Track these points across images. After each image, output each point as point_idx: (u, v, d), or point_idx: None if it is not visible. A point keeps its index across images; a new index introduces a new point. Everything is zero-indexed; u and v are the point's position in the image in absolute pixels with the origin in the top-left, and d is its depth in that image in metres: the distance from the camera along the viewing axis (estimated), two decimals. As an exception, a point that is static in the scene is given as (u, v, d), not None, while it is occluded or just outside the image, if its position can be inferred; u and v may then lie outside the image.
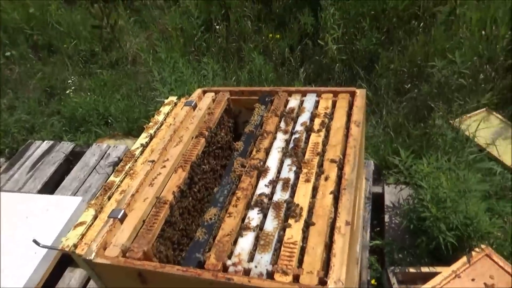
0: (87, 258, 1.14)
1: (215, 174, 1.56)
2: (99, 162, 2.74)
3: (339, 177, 1.22)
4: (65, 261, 2.10)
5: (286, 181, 1.24)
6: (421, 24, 3.02)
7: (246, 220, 1.17)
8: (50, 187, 2.72)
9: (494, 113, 2.49)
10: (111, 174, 2.65)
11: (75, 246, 1.25)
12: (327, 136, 1.39)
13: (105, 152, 2.81)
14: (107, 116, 3.26)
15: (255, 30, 3.80)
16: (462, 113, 2.48)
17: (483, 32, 2.70)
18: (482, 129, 2.29)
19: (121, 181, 1.46)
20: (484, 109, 2.52)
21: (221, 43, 3.75)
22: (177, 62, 3.17)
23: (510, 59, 2.66)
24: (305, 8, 3.51)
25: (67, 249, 1.24)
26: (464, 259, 1.71)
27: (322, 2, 3.23)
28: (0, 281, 1.89)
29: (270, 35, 3.67)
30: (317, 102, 1.55)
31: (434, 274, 1.70)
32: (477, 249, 1.71)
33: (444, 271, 1.69)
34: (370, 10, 3.19)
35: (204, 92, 1.76)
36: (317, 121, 1.45)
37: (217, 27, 3.81)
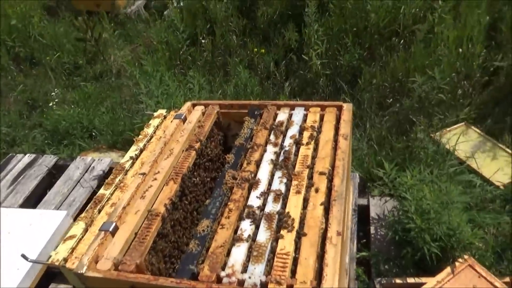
0: (79, 272, 1.13)
1: (205, 187, 1.57)
2: (83, 175, 2.70)
3: (329, 189, 1.25)
4: (48, 276, 2.04)
5: (277, 193, 1.26)
6: (401, 41, 3.14)
7: (239, 232, 1.18)
8: (32, 201, 2.66)
9: (473, 127, 2.59)
10: (95, 188, 2.61)
11: (65, 260, 1.24)
12: (316, 149, 1.42)
13: (90, 165, 2.77)
14: (91, 129, 3.22)
15: (241, 44, 3.86)
16: (442, 127, 2.57)
17: (460, 50, 2.82)
18: (462, 143, 2.38)
19: (112, 194, 1.46)
20: (463, 123, 2.62)
21: (206, 56, 3.79)
22: (163, 75, 3.18)
23: (486, 76, 2.79)
24: (289, 23, 3.59)
25: (56, 263, 1.22)
26: (448, 269, 1.75)
27: (306, 19, 3.32)
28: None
29: (255, 49, 3.73)
30: (305, 116, 1.59)
31: (420, 285, 1.74)
32: (460, 260, 1.77)
33: (429, 282, 1.73)
34: (352, 27, 3.29)
35: (194, 105, 1.78)
36: (306, 134, 1.48)
37: (203, 41, 3.86)
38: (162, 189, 1.39)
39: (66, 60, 3.97)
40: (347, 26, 3.30)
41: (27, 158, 2.93)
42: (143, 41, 4.29)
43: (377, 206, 2.19)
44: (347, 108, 1.57)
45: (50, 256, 1.24)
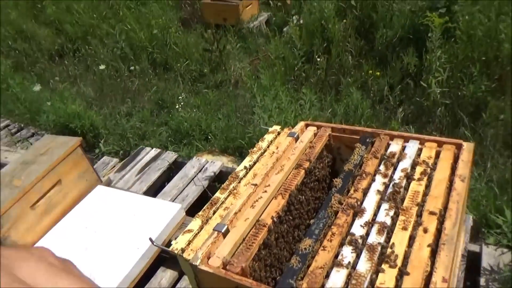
0: (194, 263, 1.30)
1: (309, 205, 1.65)
2: (197, 174, 2.99)
3: (438, 231, 1.22)
4: (158, 260, 2.33)
5: (382, 225, 1.28)
6: (540, 75, 2.82)
7: (340, 257, 1.22)
8: (153, 190, 3.03)
9: None
10: (206, 187, 2.87)
11: (183, 250, 1.42)
12: (428, 186, 1.39)
13: (203, 166, 3.06)
14: (208, 132, 3.54)
15: (355, 65, 3.87)
16: None
17: None
18: None
19: (225, 199, 1.62)
20: None
21: (320, 75, 3.88)
22: (278, 89, 3.36)
23: None
24: (409, 47, 3.49)
25: (175, 252, 1.41)
26: None
27: (429, 44, 3.19)
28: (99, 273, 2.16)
29: (370, 71, 3.70)
30: (420, 150, 1.56)
31: None
32: None
33: None
34: (480, 56, 3.06)
35: (307, 125, 1.87)
36: (419, 170, 1.46)
37: (318, 59, 3.95)
38: (270, 201, 1.50)
39: (193, 68, 4.43)
40: (475, 54, 3.09)
41: (153, 152, 3.35)
42: (261, 55, 4.57)
43: (491, 256, 2.00)
44: (468, 148, 1.50)
45: (171, 245, 1.44)
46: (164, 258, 2.38)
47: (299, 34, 4.23)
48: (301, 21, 4.54)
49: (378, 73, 3.67)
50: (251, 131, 3.15)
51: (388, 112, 3.37)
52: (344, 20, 4.10)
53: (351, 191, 1.45)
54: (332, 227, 1.32)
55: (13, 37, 5.46)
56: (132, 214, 2.50)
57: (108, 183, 3.04)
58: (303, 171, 1.60)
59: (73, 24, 5.41)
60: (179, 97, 3.93)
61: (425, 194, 1.36)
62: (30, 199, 2.45)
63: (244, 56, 4.69)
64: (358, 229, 1.29)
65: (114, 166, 3.40)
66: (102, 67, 4.56)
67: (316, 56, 4.00)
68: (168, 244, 2.35)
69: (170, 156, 3.26)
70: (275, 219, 1.42)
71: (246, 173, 1.73)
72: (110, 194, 2.72)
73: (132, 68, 4.59)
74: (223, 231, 1.40)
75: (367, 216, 1.34)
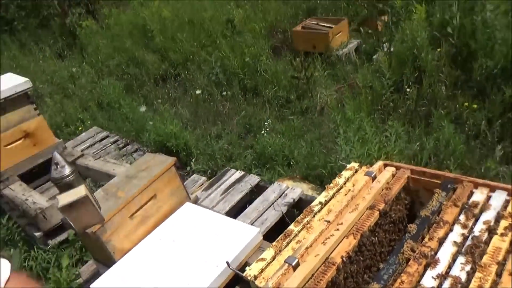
0: (264, 292, 1.40)
1: (383, 247, 1.64)
2: (277, 199, 3.11)
3: (520, 294, 1.15)
4: (234, 279, 2.46)
5: (455, 280, 1.24)
6: None
7: (407, 306, 1.22)
8: (235, 211, 3.22)
9: None
10: (284, 213, 2.97)
11: (255, 277, 1.53)
12: (512, 243, 1.31)
13: (284, 192, 3.17)
14: (291, 158, 3.65)
15: (449, 96, 3.68)
16: None
17: None
18: None
19: (299, 232, 1.70)
20: None
21: (409, 105, 3.76)
22: (362, 120, 3.34)
23: None
24: (512, 80, 3.22)
25: (249, 278, 1.53)
26: None
27: (536, 77, 2.92)
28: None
29: (466, 103, 3.49)
30: (507, 202, 1.47)
31: None
32: None
33: None
34: None
35: (385, 165, 1.87)
36: (503, 224, 1.38)
37: (408, 89, 3.84)
38: (341, 240, 1.54)
39: (281, 94, 4.61)
40: None
41: (238, 174, 3.56)
42: (348, 83, 4.58)
43: None
44: None
45: (245, 270, 1.56)
46: (240, 278, 2.51)
47: (388, 63, 4.17)
48: (392, 49, 4.46)
49: (475, 106, 3.44)
50: (333, 161, 3.18)
51: (484, 149, 3.14)
52: (439, 49, 3.94)
53: (426, 239, 1.42)
54: (402, 274, 1.31)
55: (127, 63, 6.25)
56: (214, 233, 2.69)
57: (196, 201, 3.31)
58: (378, 212, 1.61)
59: (176, 51, 6.02)
60: (266, 122, 4.12)
61: (508, 252, 1.28)
62: (130, 209, 2.79)
63: (331, 83, 4.73)
64: (429, 281, 1.27)
65: (202, 184, 3.68)
66: (198, 91, 4.99)
67: (406, 86, 3.89)
68: (244, 266, 2.48)
69: (253, 180, 3.43)
70: (344, 258, 1.46)
71: (321, 208, 1.80)
72: (197, 212, 2.96)
73: (224, 93, 4.94)
74: (293, 264, 1.48)
75: (441, 268, 1.31)
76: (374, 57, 4.78)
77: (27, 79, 3.52)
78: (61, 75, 6.57)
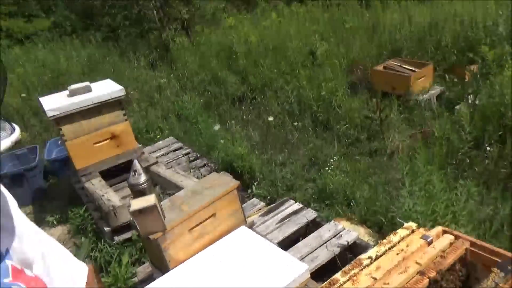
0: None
1: (428, 317, 1.60)
2: (331, 238, 3.10)
3: None
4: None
5: None
6: None
7: None
8: (287, 242, 3.27)
9: None
10: (336, 254, 2.95)
11: (293, 319, 1.58)
12: None
13: (339, 232, 3.15)
14: (351, 199, 3.62)
15: (536, 161, 3.40)
16: None
17: None
18: None
19: (344, 283, 1.71)
20: None
21: (488, 165, 3.55)
22: (432, 174, 3.22)
23: None
24: None
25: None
26: None
27: None
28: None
29: (555, 171, 3.20)
30: None
31: None
32: None
33: None
34: None
35: (444, 232, 1.82)
36: None
37: (488, 148, 3.63)
38: (386, 301, 1.54)
39: (351, 133, 4.60)
40: None
41: (296, 206, 3.61)
42: (424, 130, 4.43)
43: None
44: None
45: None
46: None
47: (471, 116, 3.97)
48: (477, 102, 4.25)
49: None
50: (395, 210, 3.11)
51: None
52: (530, 110, 3.68)
53: (475, 320, 1.37)
54: None
55: (209, 81, 6.68)
56: (263, 261, 2.77)
57: (251, 225, 3.42)
58: (427, 280, 1.58)
59: (256, 75, 6.30)
60: (332, 159, 4.14)
61: None
62: (190, 223, 2.98)
63: (406, 128, 4.62)
64: None
65: (260, 209, 3.79)
66: (270, 118, 5.16)
67: (487, 144, 3.68)
68: (287, 301, 2.50)
69: (310, 214, 3.46)
70: (385, 321, 1.45)
71: (370, 263, 1.79)
72: (250, 237, 3.06)
73: (295, 123, 5.06)
74: (332, 315, 1.50)
75: None
76: (457, 107, 4.58)
77: (122, 87, 3.94)
78: (150, 85, 7.21)
